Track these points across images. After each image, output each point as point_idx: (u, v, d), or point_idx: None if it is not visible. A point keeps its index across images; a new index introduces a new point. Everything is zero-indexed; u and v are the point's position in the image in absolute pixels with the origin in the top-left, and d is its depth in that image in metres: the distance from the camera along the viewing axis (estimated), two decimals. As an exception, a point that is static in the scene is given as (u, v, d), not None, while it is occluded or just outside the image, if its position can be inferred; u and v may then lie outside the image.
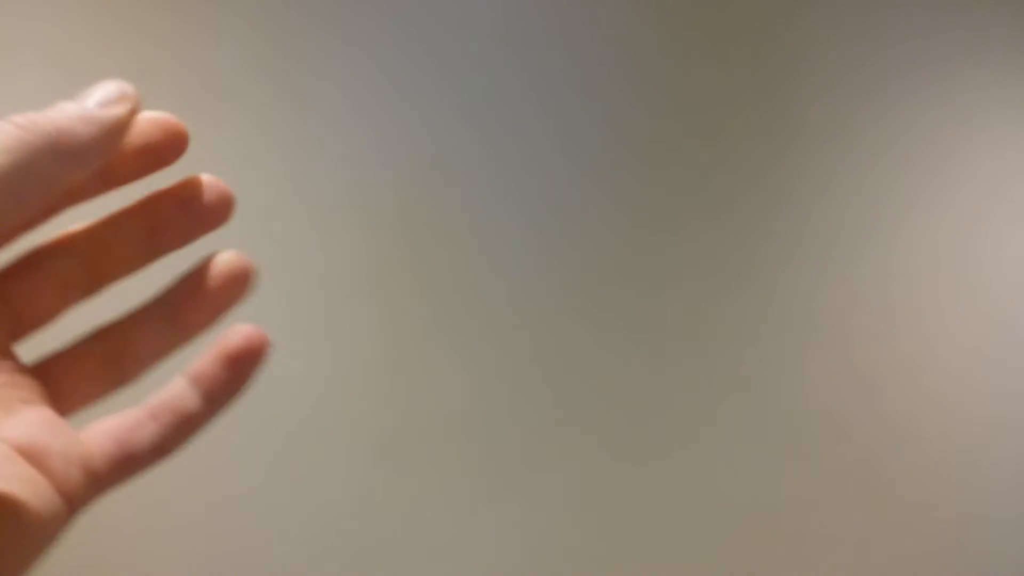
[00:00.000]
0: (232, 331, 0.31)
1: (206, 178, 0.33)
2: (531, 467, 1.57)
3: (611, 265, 1.65)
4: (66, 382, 0.31)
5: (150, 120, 0.32)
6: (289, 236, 1.53)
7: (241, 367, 0.31)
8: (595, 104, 1.69)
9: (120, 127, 0.30)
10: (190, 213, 0.32)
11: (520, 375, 1.59)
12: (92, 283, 0.32)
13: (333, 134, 1.57)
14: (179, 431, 0.30)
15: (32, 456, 0.27)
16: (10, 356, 0.30)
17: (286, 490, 1.48)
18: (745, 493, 1.65)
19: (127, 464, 0.30)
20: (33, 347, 0.31)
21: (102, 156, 0.29)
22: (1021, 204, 1.85)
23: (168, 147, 0.32)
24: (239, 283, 0.32)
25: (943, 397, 1.75)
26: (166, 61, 1.51)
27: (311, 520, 1.49)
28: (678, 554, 1.61)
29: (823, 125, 1.78)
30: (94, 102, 0.30)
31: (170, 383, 0.31)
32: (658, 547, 1.60)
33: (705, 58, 1.74)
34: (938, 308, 1.78)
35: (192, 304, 0.32)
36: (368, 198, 1.57)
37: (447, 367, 1.56)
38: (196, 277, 0.32)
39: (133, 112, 0.31)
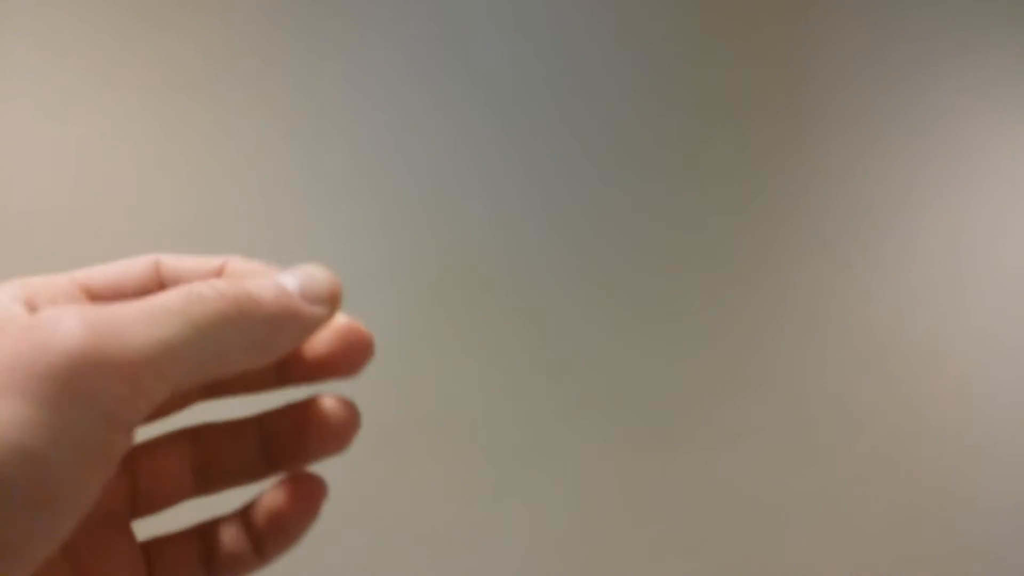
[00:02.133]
0: (296, 492, 0.31)
1: (334, 406, 0.30)
2: (544, 461, 1.58)
3: (626, 259, 1.65)
4: (145, 481, 0.30)
5: (338, 328, 0.30)
6: (302, 230, 1.53)
7: (295, 531, 0.31)
8: (612, 98, 1.68)
9: (318, 327, 0.28)
10: (309, 438, 0.30)
11: (533, 368, 1.59)
12: (212, 482, 0.31)
13: (351, 129, 1.57)
14: (285, 536, 0.30)
15: None
16: (128, 531, 0.29)
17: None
18: (760, 487, 1.65)
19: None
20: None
21: (288, 351, 0.27)
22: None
23: (351, 359, 0.31)
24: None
25: (961, 389, 1.76)
26: (183, 50, 1.50)
27: (325, 510, 1.49)
28: (691, 549, 1.61)
29: (842, 118, 1.77)
30: (301, 291, 0.28)
31: (229, 530, 0.31)
32: (671, 542, 1.61)
33: (723, 51, 1.73)
34: (956, 301, 1.78)
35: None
36: (382, 191, 1.57)
37: (458, 359, 1.56)
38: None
39: (333, 313, 0.29)
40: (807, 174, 1.75)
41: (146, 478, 0.29)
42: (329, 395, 0.30)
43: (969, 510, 1.72)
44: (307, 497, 0.30)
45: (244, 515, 0.31)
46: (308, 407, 0.30)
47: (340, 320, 0.30)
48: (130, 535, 0.29)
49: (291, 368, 0.30)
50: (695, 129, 1.71)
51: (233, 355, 0.25)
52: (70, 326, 0.22)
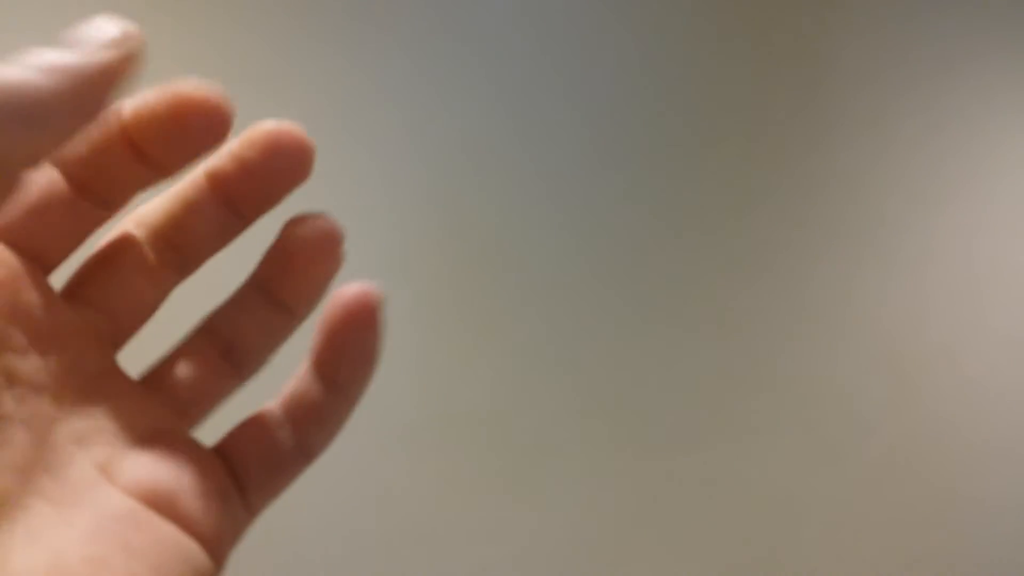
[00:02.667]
0: (334, 299, 0.27)
1: (270, 130, 0.26)
2: (554, 459, 1.57)
3: (640, 258, 1.65)
4: (182, 390, 0.26)
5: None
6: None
7: (354, 338, 0.26)
8: (625, 95, 1.68)
9: (102, 79, 0.22)
10: (262, 175, 0.26)
11: (545, 366, 1.59)
12: (184, 264, 0.27)
13: (362, 122, 1.57)
14: (317, 428, 0.26)
15: (161, 504, 0.23)
16: (117, 373, 0.26)
17: (306, 477, 1.48)
18: (770, 487, 1.64)
19: (272, 478, 0.26)
20: (135, 357, 0.29)
21: (76, 119, 0.22)
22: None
23: (200, 124, 0.25)
24: (327, 248, 0.27)
25: (975, 391, 1.75)
26: (196, 44, 1.51)
27: (332, 507, 1.49)
28: (701, 548, 1.61)
29: (857, 119, 1.77)
30: (71, 48, 0.22)
31: (297, 373, 0.27)
32: (681, 541, 1.60)
33: (739, 50, 1.73)
34: (971, 302, 1.77)
35: (286, 281, 0.27)
36: (398, 185, 1.57)
37: (471, 358, 1.56)
38: (280, 252, 0.27)
39: (127, 61, 0.23)
40: (822, 175, 1.74)
41: (183, 389, 0.27)
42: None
43: (981, 512, 1.71)
44: (322, 238, 0.27)
45: (249, 286, 0.28)
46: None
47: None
48: (192, 443, 0.26)
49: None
50: (710, 129, 1.70)
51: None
52: None
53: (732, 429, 1.64)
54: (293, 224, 0.27)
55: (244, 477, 0.26)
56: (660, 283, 1.65)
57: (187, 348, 0.27)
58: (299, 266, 0.27)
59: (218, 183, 0.27)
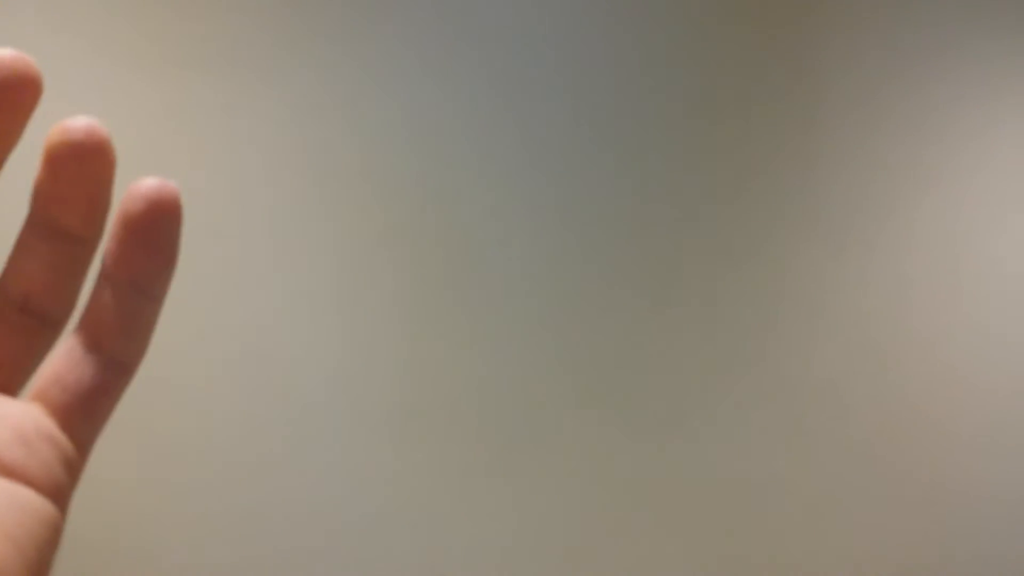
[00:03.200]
0: (129, 193, 0.25)
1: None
2: (542, 445, 1.58)
3: (625, 247, 1.65)
4: None
5: None
6: (308, 207, 1.54)
7: (154, 229, 0.25)
8: (615, 83, 1.68)
9: None
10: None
11: (533, 354, 1.59)
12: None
13: (357, 107, 1.58)
14: (125, 338, 0.25)
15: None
16: None
17: (298, 460, 1.49)
18: (753, 474, 1.64)
19: (93, 408, 0.25)
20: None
21: None
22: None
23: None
24: (92, 150, 0.25)
25: (955, 380, 1.74)
26: (189, 29, 1.52)
27: (323, 490, 1.50)
28: (686, 531, 1.61)
29: (841, 107, 1.76)
30: None
31: (92, 287, 0.26)
32: (666, 523, 1.60)
33: (725, 39, 1.73)
34: (952, 291, 1.76)
35: (59, 201, 0.25)
36: (390, 171, 1.58)
37: (462, 342, 1.56)
38: (46, 171, 0.25)
39: None
40: (805, 163, 1.74)
41: None
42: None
43: (961, 500, 1.71)
44: (83, 141, 0.25)
45: (37, 224, 0.26)
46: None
47: None
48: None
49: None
50: (695, 117, 1.70)
51: None
52: None
53: (715, 416, 1.64)
54: (52, 136, 0.25)
55: (65, 416, 0.25)
56: (645, 272, 1.65)
57: None
58: (67, 177, 0.25)
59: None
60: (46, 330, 0.26)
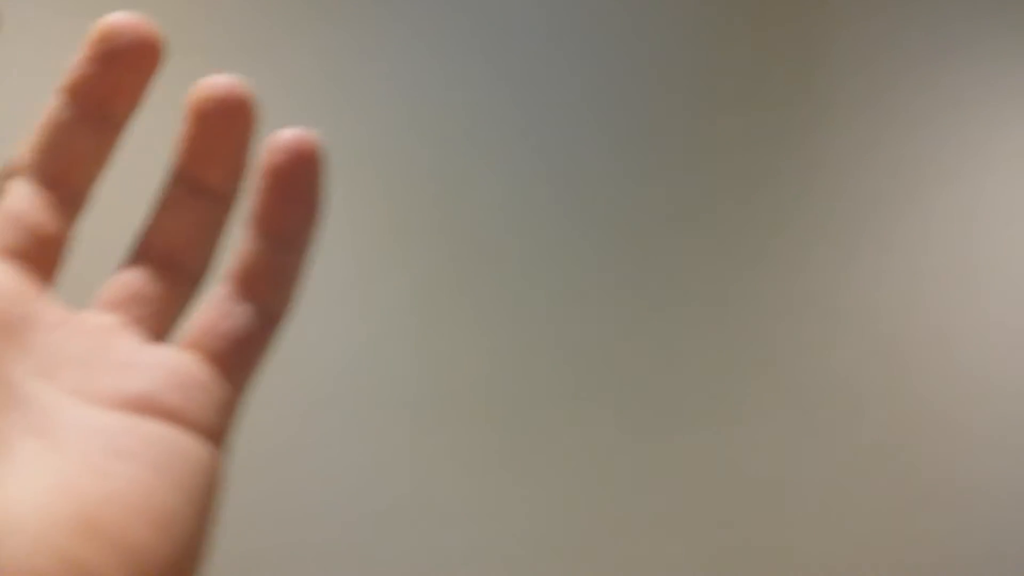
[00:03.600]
0: (269, 145, 0.26)
1: (115, 21, 0.25)
2: (551, 439, 1.58)
3: (637, 242, 1.65)
4: (135, 309, 0.26)
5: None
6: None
7: (297, 180, 0.25)
8: (625, 77, 1.68)
9: None
10: (114, 67, 0.25)
11: (543, 348, 1.59)
12: (75, 204, 0.26)
13: (366, 97, 1.58)
14: (274, 289, 0.26)
15: (142, 406, 0.23)
16: (53, 315, 0.25)
17: (309, 452, 1.49)
18: (763, 470, 1.65)
19: (245, 355, 0.25)
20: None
21: None
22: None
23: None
24: (235, 107, 0.26)
25: (968, 378, 1.74)
26: (196, 15, 1.51)
27: (333, 482, 1.50)
28: (695, 529, 1.61)
29: (853, 105, 1.77)
30: None
31: (239, 243, 0.26)
32: (673, 522, 1.61)
33: (738, 34, 1.73)
34: (965, 289, 1.77)
35: (202, 159, 0.26)
36: (402, 163, 1.58)
37: (469, 338, 1.56)
38: (189, 128, 0.26)
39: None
40: (818, 160, 1.74)
41: (138, 300, 0.26)
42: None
43: (973, 499, 1.71)
44: (227, 98, 0.26)
45: (178, 180, 0.27)
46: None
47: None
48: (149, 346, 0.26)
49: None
50: (706, 115, 1.71)
51: None
52: None
53: (726, 412, 1.64)
54: (195, 93, 0.26)
55: (220, 363, 0.25)
56: (657, 267, 1.65)
57: (126, 269, 0.26)
58: (210, 133, 0.26)
59: (77, 90, 0.26)
60: (188, 286, 0.27)
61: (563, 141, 1.65)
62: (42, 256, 0.25)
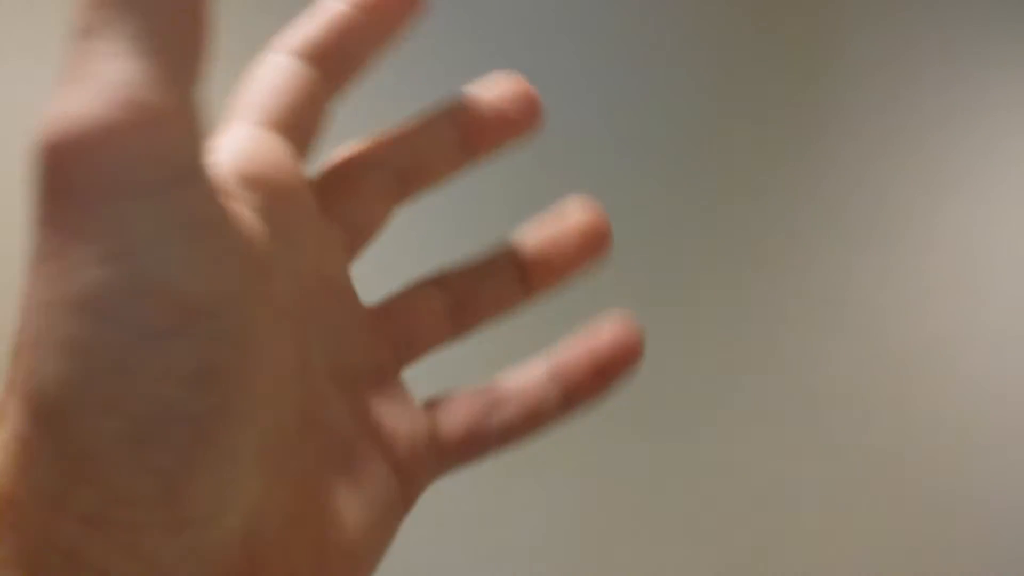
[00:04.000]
0: (605, 331, 0.27)
1: (514, 80, 0.28)
2: (552, 446, 1.58)
3: (638, 246, 1.65)
4: (402, 333, 0.27)
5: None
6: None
7: (609, 374, 0.27)
8: (630, 83, 1.67)
9: None
10: (502, 119, 0.28)
11: (545, 348, 1.59)
12: (406, 192, 0.28)
13: (362, 105, 1.56)
14: (531, 423, 0.27)
15: (382, 440, 0.24)
16: (353, 293, 0.26)
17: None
18: (766, 476, 1.64)
19: (473, 446, 0.26)
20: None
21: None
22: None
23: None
24: (594, 242, 0.28)
25: (974, 385, 1.74)
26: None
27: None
28: (697, 534, 1.61)
29: (862, 109, 1.76)
30: None
31: (529, 369, 0.27)
32: (676, 527, 1.61)
33: (745, 39, 1.72)
34: (972, 296, 1.76)
35: (543, 263, 0.28)
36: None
37: (468, 345, 1.56)
38: (546, 233, 0.28)
39: None
40: (825, 164, 1.74)
41: (404, 329, 0.27)
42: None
43: (977, 507, 1.72)
44: (590, 225, 0.28)
45: (503, 256, 0.28)
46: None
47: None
48: (401, 384, 0.27)
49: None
50: (714, 117, 1.70)
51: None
52: None
53: (729, 417, 1.64)
54: (565, 209, 0.28)
55: (443, 439, 0.26)
56: (660, 271, 1.65)
57: (417, 293, 0.27)
58: (559, 256, 0.28)
59: (460, 119, 0.28)
60: (450, 338, 0.28)
61: (566, 143, 1.64)
62: (303, 131, 0.26)
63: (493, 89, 0.28)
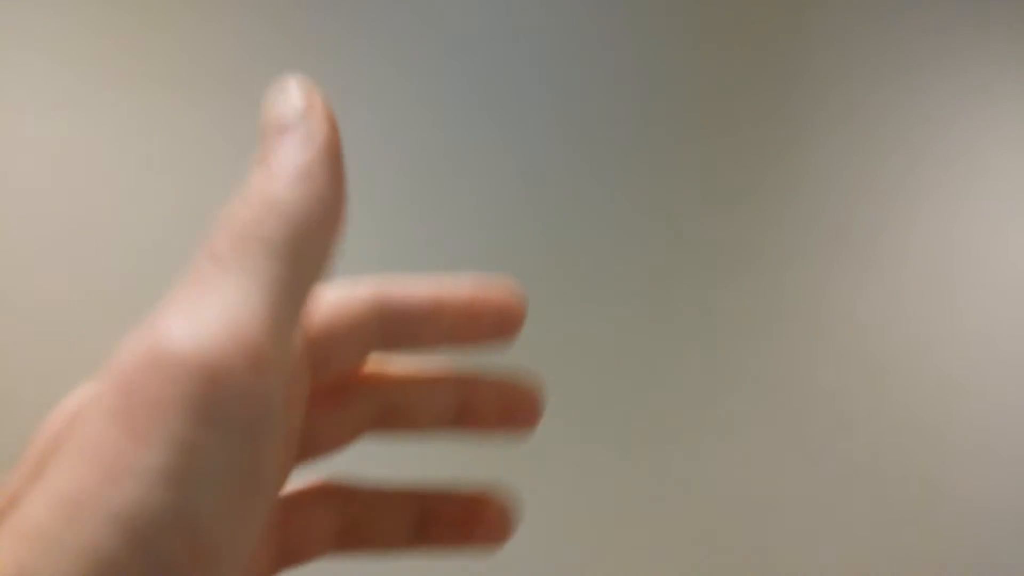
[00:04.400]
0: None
1: (530, 385, 0.29)
2: (534, 457, 1.57)
3: (617, 256, 1.64)
4: (295, 534, 0.27)
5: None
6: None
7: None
8: (602, 95, 1.67)
9: (324, 145, 0.22)
10: (506, 412, 0.28)
11: (525, 364, 1.59)
12: (380, 428, 0.28)
13: (342, 124, 1.55)
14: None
15: None
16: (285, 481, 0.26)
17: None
18: (748, 484, 1.65)
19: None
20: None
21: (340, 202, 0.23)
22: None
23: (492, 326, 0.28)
24: (499, 536, 0.28)
25: (952, 388, 1.75)
26: (168, 47, 1.48)
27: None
28: (678, 544, 1.61)
29: (833, 117, 1.77)
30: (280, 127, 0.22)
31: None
32: (658, 537, 1.61)
33: (717, 47, 1.72)
34: (948, 299, 1.78)
35: (439, 530, 0.28)
36: (370, 190, 1.56)
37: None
38: (455, 507, 0.28)
39: (324, 121, 0.23)
40: (799, 173, 1.74)
41: (293, 535, 0.27)
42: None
43: (959, 508, 1.73)
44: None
45: (410, 499, 0.29)
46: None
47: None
48: None
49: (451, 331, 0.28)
50: (687, 128, 1.70)
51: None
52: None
53: (709, 426, 1.65)
54: (491, 497, 0.29)
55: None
56: (638, 283, 1.64)
57: (317, 501, 0.27)
58: (471, 533, 0.28)
59: (463, 390, 0.29)
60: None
61: (542, 159, 1.63)
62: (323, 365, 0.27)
63: (506, 387, 0.28)
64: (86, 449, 0.17)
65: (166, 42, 1.48)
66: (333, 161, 0.22)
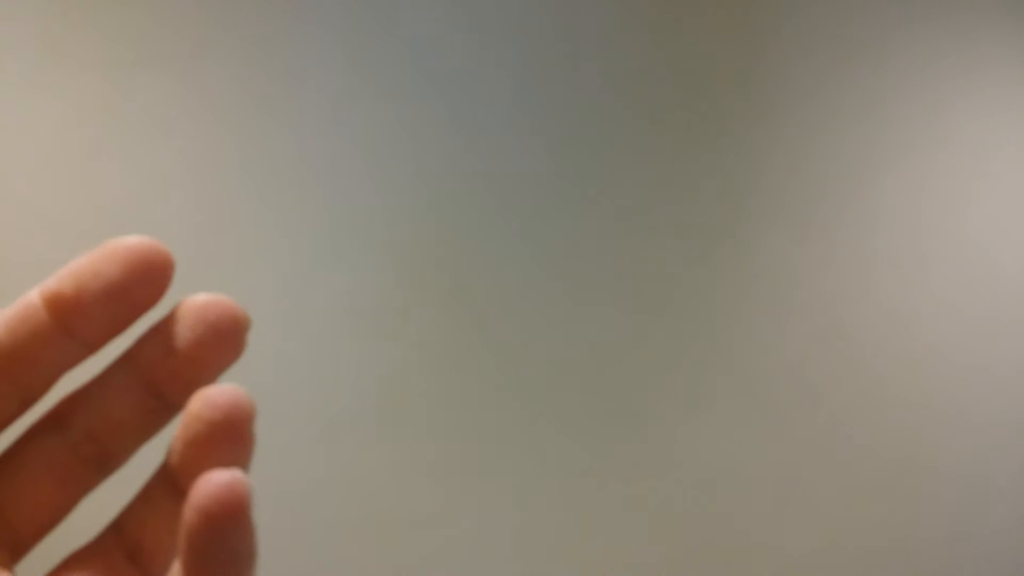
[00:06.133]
0: (195, 498, 0.21)
1: (201, 302, 0.23)
2: (502, 441, 1.57)
3: (582, 238, 1.64)
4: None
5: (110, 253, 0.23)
6: (240, 215, 1.51)
7: (219, 533, 0.21)
8: (565, 72, 1.66)
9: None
10: (191, 355, 0.23)
11: (491, 349, 1.58)
12: (103, 462, 0.24)
13: (291, 115, 1.54)
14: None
15: None
16: None
17: (258, 464, 1.47)
18: (720, 458, 1.65)
19: None
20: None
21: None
22: (1000, 164, 1.86)
23: (140, 286, 0.23)
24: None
25: (922, 358, 1.76)
26: (121, 29, 1.46)
27: (277, 496, 1.48)
28: (654, 523, 1.62)
29: (799, 89, 1.77)
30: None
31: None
32: (631, 515, 1.61)
33: (681, 23, 1.71)
34: (916, 269, 1.78)
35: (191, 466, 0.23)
36: (326, 178, 1.55)
37: (423, 343, 1.55)
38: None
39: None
40: (765, 145, 1.74)
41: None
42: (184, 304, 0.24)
43: (931, 478, 1.74)
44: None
45: (165, 479, 0.24)
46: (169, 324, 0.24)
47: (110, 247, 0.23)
48: None
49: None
50: (652, 103, 1.69)
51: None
52: None
53: (681, 403, 1.65)
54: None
55: None
56: (605, 262, 1.64)
57: (93, 549, 0.24)
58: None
59: (141, 365, 0.24)
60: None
61: (499, 139, 1.62)
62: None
63: (174, 323, 0.23)
64: None
65: (113, 24, 1.46)
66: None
